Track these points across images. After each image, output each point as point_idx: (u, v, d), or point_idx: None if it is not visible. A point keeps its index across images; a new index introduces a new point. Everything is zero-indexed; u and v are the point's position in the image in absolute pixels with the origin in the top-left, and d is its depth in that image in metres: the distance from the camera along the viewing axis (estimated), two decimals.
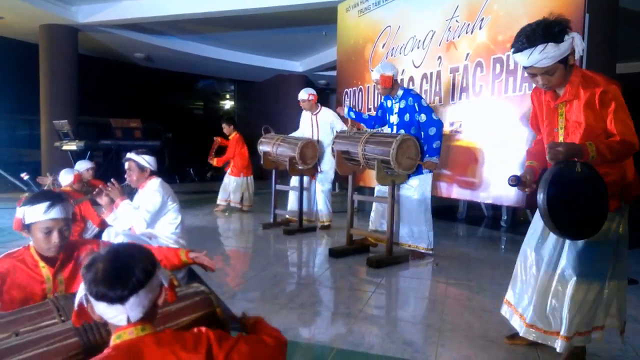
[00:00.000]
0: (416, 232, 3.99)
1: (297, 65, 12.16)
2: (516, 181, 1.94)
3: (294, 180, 5.40)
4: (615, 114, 1.82)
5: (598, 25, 3.83)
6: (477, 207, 6.83)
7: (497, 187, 4.40)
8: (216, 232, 5.55)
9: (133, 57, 10.98)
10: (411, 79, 5.47)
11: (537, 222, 2.14)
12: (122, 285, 1.01)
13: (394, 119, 4.06)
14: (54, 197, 1.74)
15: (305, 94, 5.26)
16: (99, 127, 9.97)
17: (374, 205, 4.38)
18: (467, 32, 4.73)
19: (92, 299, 1.03)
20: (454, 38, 4.89)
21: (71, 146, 7.41)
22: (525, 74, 2.07)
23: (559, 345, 1.98)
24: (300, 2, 7.09)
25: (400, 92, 3.98)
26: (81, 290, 1.05)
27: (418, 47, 5.38)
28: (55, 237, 1.70)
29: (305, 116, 5.45)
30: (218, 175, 9.15)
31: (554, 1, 3.84)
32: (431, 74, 5.20)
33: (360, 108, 6.30)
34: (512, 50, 1.88)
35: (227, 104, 15.87)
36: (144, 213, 2.93)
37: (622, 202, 1.98)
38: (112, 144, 7.76)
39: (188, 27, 9.04)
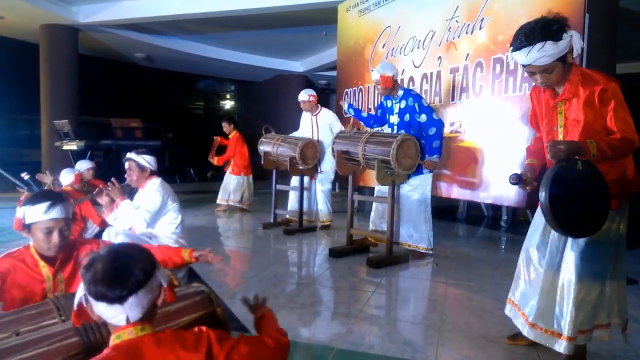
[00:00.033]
0: (416, 232, 3.99)
1: (298, 66, 12.16)
2: (517, 180, 1.94)
3: (295, 180, 5.41)
4: (615, 111, 1.82)
5: (598, 25, 3.82)
6: (477, 207, 6.83)
7: (497, 187, 4.40)
8: (216, 232, 5.55)
9: (133, 57, 10.98)
10: (411, 79, 5.47)
11: (538, 221, 2.14)
12: (121, 285, 1.02)
13: (394, 119, 4.06)
14: (55, 197, 1.74)
15: (305, 95, 5.27)
16: (100, 127, 9.98)
17: (374, 205, 4.38)
18: (467, 32, 4.73)
19: (91, 299, 1.04)
20: (454, 38, 4.89)
21: (71, 146, 7.42)
22: (525, 74, 2.07)
23: (563, 346, 1.98)
24: (301, 3, 7.10)
25: (400, 93, 3.98)
26: (80, 290, 1.06)
27: (418, 47, 5.39)
28: (55, 237, 1.70)
29: (306, 117, 5.46)
30: (218, 175, 9.15)
31: (554, 1, 3.84)
32: (431, 74, 5.21)
33: (360, 108, 6.30)
34: (511, 48, 1.89)
35: (228, 104, 15.88)
36: (144, 213, 2.93)
37: (622, 200, 1.98)
38: (113, 143, 7.77)
39: (188, 27, 9.05)
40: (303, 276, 3.77)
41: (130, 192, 3.10)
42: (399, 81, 4.13)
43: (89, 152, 7.40)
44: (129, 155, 3.06)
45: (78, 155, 7.14)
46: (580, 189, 1.79)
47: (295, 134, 5.59)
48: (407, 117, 3.92)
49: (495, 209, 6.46)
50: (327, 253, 4.18)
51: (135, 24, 8.58)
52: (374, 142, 3.84)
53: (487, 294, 3.14)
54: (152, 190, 3.01)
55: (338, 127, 5.16)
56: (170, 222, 3.09)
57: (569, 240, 1.99)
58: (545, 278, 2.06)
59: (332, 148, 4.29)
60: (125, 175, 3.08)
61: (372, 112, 4.59)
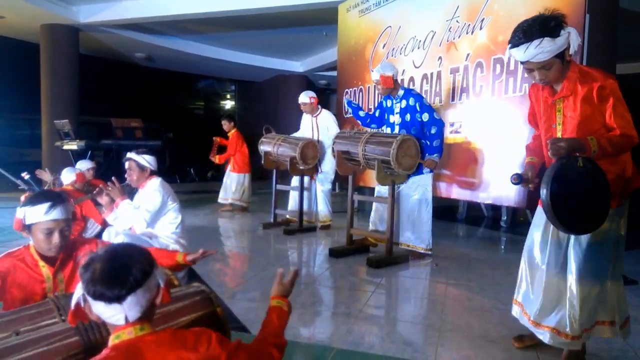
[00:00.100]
0: (416, 233, 3.99)
1: (298, 66, 12.16)
2: (518, 180, 1.94)
3: (295, 180, 5.41)
4: (614, 108, 1.83)
5: (598, 25, 3.82)
6: (477, 208, 6.83)
7: (497, 188, 4.40)
8: (216, 232, 5.55)
9: (134, 57, 10.99)
10: (411, 79, 5.47)
11: (538, 220, 2.14)
12: (120, 284, 1.02)
13: (394, 118, 4.06)
14: (55, 197, 1.74)
15: (305, 98, 5.27)
16: (100, 126, 9.98)
17: (374, 205, 4.38)
18: (467, 33, 4.73)
19: (89, 299, 1.04)
20: (454, 38, 4.89)
21: (72, 146, 7.42)
22: (525, 74, 2.07)
23: (567, 345, 1.99)
24: (301, 3, 7.09)
25: (401, 92, 3.99)
26: (79, 290, 1.06)
27: (418, 48, 5.39)
28: (56, 237, 1.70)
29: (306, 118, 5.46)
30: (218, 175, 9.17)
31: (554, 1, 3.83)
32: (431, 74, 5.21)
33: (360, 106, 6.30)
34: (509, 45, 1.89)
35: (228, 103, 15.89)
36: (144, 213, 2.93)
37: (622, 199, 1.98)
38: (113, 143, 7.76)
39: (189, 27, 9.05)
40: (303, 276, 3.77)
41: (130, 192, 3.10)
42: (399, 81, 4.13)
43: (90, 152, 7.40)
44: (129, 155, 3.06)
45: (78, 155, 7.13)
46: (581, 185, 1.79)
47: (295, 134, 5.60)
48: (408, 116, 3.92)
49: (495, 209, 6.46)
50: (327, 253, 4.19)
51: (135, 24, 8.58)
52: (374, 142, 3.84)
53: (487, 294, 3.14)
54: (152, 190, 3.01)
55: (334, 129, 5.11)
56: (170, 222, 3.09)
57: (570, 240, 1.99)
58: (547, 277, 2.06)
59: (333, 148, 4.30)
60: (126, 175, 3.08)
61: (371, 113, 4.59)
